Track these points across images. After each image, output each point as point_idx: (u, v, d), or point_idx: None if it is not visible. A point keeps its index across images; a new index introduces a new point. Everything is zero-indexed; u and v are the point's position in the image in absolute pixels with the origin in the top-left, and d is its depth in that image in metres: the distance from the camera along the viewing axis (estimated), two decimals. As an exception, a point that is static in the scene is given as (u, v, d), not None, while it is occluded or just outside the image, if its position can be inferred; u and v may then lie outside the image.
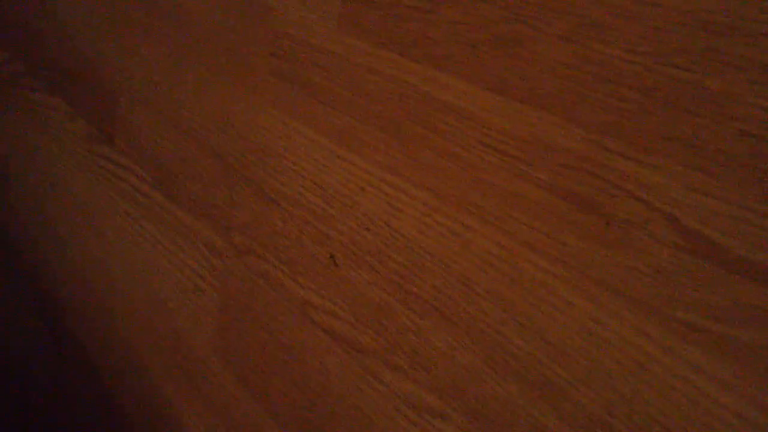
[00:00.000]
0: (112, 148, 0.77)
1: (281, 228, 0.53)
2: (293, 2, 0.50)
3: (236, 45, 0.56)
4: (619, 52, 0.32)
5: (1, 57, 1.02)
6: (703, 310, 0.29)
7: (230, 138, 0.58)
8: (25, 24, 0.95)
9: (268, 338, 0.56)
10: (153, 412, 0.76)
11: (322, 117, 0.48)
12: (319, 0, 0.48)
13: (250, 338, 0.58)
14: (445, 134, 0.40)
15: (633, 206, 0.32)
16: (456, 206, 0.40)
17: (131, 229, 0.75)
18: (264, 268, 0.56)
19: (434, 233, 0.41)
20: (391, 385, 0.45)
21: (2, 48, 1.02)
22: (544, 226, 0.35)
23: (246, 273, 0.58)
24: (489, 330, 0.39)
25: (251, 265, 0.57)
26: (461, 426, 0.41)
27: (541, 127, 0.35)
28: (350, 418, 0.49)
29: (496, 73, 0.37)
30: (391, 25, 0.42)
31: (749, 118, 0.28)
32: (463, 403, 0.40)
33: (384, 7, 0.43)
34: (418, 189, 0.42)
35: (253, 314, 0.58)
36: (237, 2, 0.55)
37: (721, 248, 0.29)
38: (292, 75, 0.50)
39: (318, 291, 0.50)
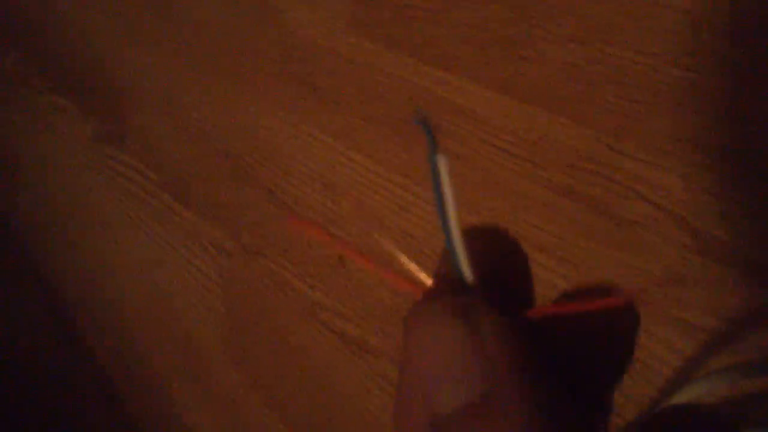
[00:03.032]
0: (122, 149, 0.77)
1: (290, 229, 0.54)
2: (303, 4, 0.50)
3: (246, 47, 0.56)
4: (628, 53, 0.32)
5: (11, 57, 1.03)
6: (712, 311, 0.30)
7: (240, 139, 0.58)
8: (34, 24, 0.96)
9: (276, 339, 0.56)
10: (160, 412, 0.77)
11: (332, 118, 0.48)
12: (329, 1, 0.48)
13: (259, 339, 0.58)
14: (454, 136, 0.40)
15: (642, 208, 0.32)
16: (465, 208, 0.40)
17: (139, 229, 0.76)
18: (273, 269, 0.56)
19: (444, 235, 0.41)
20: (399, 386, 0.45)
21: (12, 48, 1.03)
22: (553, 228, 0.35)
23: (255, 274, 0.58)
24: (498, 331, 0.38)
25: (260, 266, 0.57)
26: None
27: (551, 129, 0.35)
28: (359, 419, 0.49)
29: (506, 74, 0.37)
30: (401, 26, 0.42)
31: (757, 119, 0.28)
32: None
33: (394, 8, 0.43)
34: (428, 190, 0.42)
35: (261, 315, 0.58)
36: (247, 5, 0.56)
37: (730, 249, 0.29)
38: (302, 77, 0.51)
39: (327, 292, 0.51)
